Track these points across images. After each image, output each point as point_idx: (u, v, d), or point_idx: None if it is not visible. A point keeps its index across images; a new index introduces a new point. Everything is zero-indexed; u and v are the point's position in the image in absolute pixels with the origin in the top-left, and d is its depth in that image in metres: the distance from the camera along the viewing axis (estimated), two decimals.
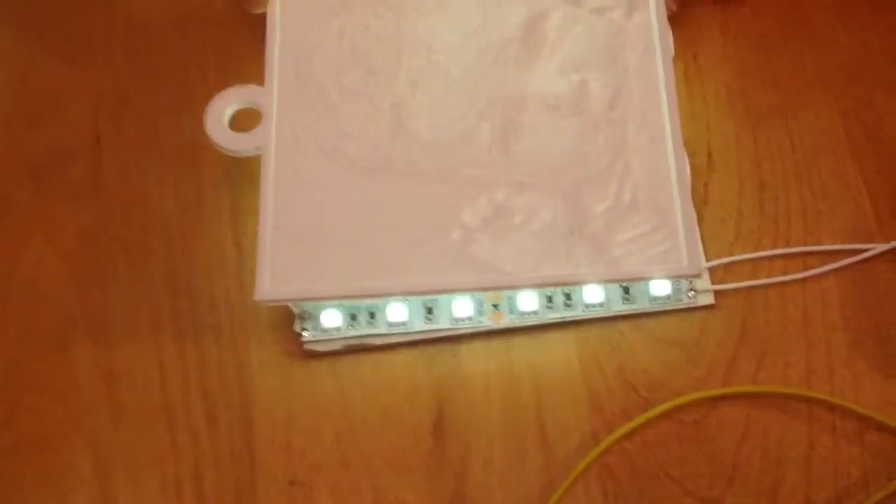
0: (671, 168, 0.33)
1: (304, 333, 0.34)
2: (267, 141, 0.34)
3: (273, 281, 0.32)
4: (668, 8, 0.35)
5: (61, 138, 0.39)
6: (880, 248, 0.34)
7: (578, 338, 0.35)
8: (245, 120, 0.35)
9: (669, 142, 0.33)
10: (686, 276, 0.32)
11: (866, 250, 0.34)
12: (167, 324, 0.36)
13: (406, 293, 0.32)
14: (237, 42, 0.40)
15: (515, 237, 0.32)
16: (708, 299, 0.34)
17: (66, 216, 0.38)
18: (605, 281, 0.32)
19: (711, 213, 0.36)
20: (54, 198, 0.38)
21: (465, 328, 0.34)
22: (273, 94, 0.35)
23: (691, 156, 0.36)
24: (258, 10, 0.37)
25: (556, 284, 0.32)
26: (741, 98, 0.38)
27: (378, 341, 0.35)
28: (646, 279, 0.32)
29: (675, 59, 0.36)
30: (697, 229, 0.34)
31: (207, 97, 0.38)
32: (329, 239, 0.33)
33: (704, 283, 0.34)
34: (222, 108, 0.35)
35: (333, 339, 0.34)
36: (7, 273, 0.37)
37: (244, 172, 0.37)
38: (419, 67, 0.35)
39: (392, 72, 0.35)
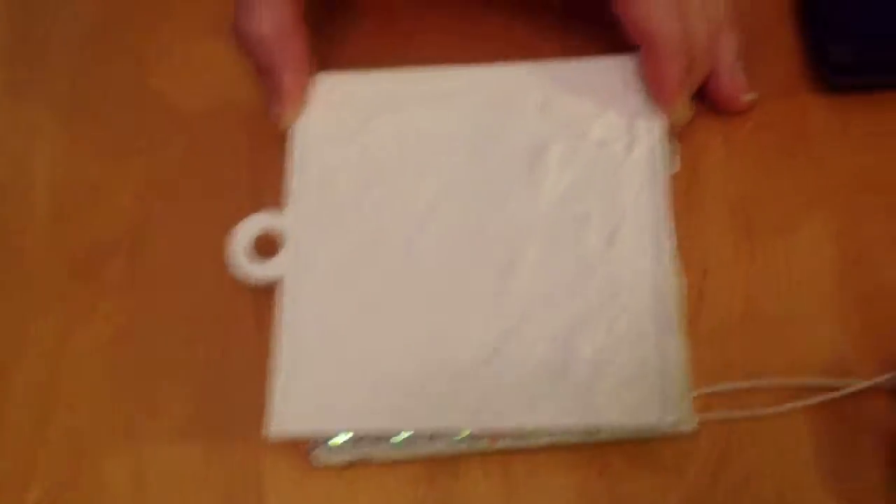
0: (658, 317, 0.34)
1: (313, 451, 0.37)
2: (285, 271, 0.36)
3: (285, 417, 0.35)
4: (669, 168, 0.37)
5: (103, 230, 0.42)
6: (858, 385, 0.36)
7: (568, 461, 0.37)
8: (269, 248, 0.38)
9: (660, 289, 0.35)
10: (666, 428, 0.34)
11: (844, 387, 0.36)
12: (197, 425, 0.39)
13: (407, 430, 0.35)
14: (267, 136, 0.42)
15: (510, 379, 0.34)
16: (692, 425, 0.36)
17: (105, 312, 0.41)
18: (590, 428, 0.34)
19: (702, 334, 0.37)
20: (96, 291, 0.41)
21: (464, 449, 0.37)
22: (291, 221, 0.37)
23: (687, 273, 0.37)
24: (284, 127, 0.39)
25: (546, 429, 0.34)
26: (740, 216, 0.39)
27: (382, 458, 0.37)
28: (627, 429, 0.34)
29: (678, 173, 0.38)
30: (683, 379, 0.35)
31: (237, 195, 0.40)
32: (341, 374, 0.35)
33: (687, 409, 0.36)
34: (242, 240, 0.37)
35: (340, 455, 0.37)
36: (55, 365, 0.40)
37: None
38: (433, 196, 0.37)
39: (407, 199, 0.37)
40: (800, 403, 0.36)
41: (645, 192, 0.36)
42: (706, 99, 0.40)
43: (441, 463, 0.37)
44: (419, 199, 0.37)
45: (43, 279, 0.42)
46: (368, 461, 0.37)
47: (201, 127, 0.44)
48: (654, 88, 0.37)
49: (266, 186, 0.41)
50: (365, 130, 0.38)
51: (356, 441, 0.37)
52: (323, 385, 0.35)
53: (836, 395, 0.36)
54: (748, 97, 0.39)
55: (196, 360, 0.40)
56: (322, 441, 0.36)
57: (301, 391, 0.35)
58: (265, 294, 0.38)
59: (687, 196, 0.39)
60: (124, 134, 0.44)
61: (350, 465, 0.37)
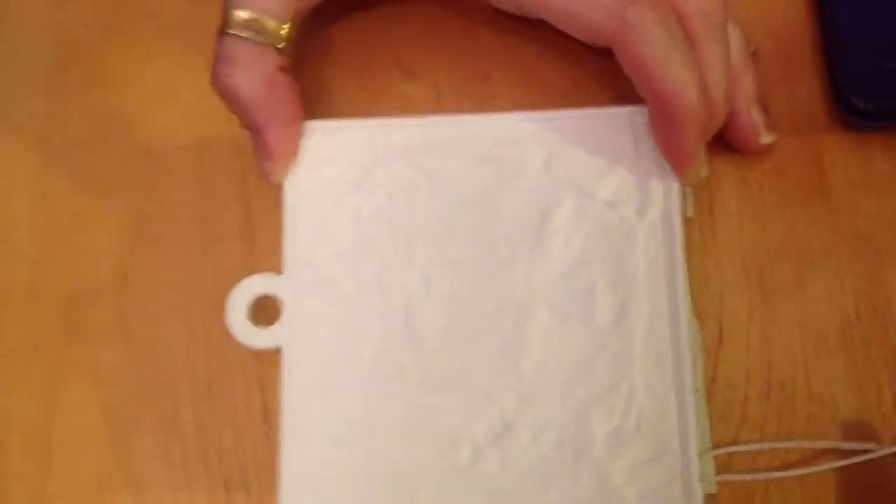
0: (679, 393, 0.33)
1: None
2: (285, 342, 0.35)
3: None
4: (683, 213, 0.35)
5: (88, 273, 0.41)
6: (882, 451, 0.35)
7: None
8: (268, 309, 0.36)
9: (680, 365, 0.34)
10: None
11: (869, 451, 0.35)
12: (200, 480, 0.38)
13: None
14: (254, 173, 0.40)
15: (524, 457, 0.34)
16: (710, 488, 0.36)
17: (97, 360, 0.39)
18: None
19: (719, 394, 0.37)
20: (85, 339, 0.40)
21: None
22: (289, 287, 0.36)
23: (702, 329, 0.37)
24: (275, 182, 0.37)
25: None
26: (754, 265, 0.38)
27: None
28: None
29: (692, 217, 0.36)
30: (706, 457, 0.34)
31: (226, 236, 0.39)
32: (345, 456, 0.34)
33: (708, 471, 0.36)
34: (241, 302, 0.36)
35: None
36: (48, 419, 0.39)
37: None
38: (433, 261, 0.35)
39: (406, 264, 0.35)
40: (821, 467, 0.35)
41: (660, 260, 0.34)
42: (721, 138, 0.38)
43: None
44: (418, 266, 0.35)
45: (29, 329, 0.40)
46: None
47: (184, 157, 0.42)
48: (667, 153, 0.35)
49: (259, 223, 0.40)
50: (358, 190, 0.36)
51: None
52: (331, 469, 0.34)
53: (858, 459, 0.35)
54: (767, 139, 0.37)
55: (197, 412, 0.39)
56: None
57: (308, 484, 0.34)
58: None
59: (699, 244, 0.38)
60: (103, 172, 0.42)
61: None
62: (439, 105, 0.40)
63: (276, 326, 0.36)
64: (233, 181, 0.41)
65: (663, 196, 0.35)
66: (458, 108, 0.40)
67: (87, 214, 0.41)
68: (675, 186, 0.35)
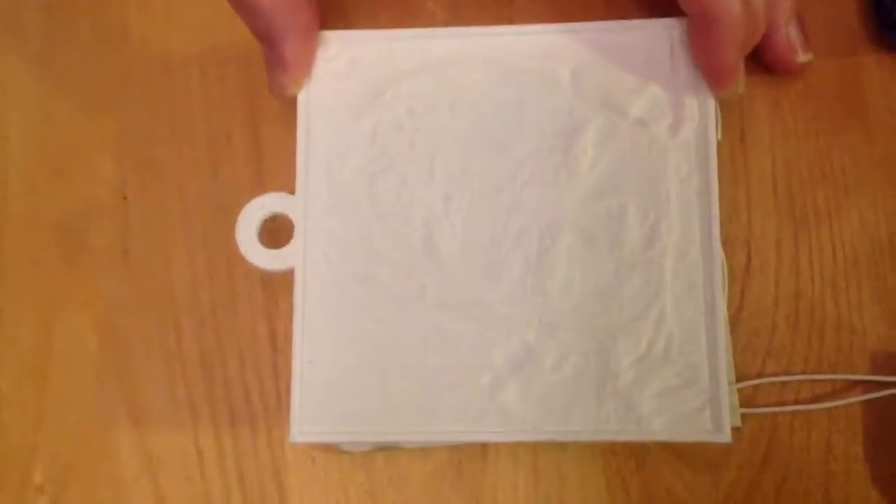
0: (708, 321, 0.32)
1: None
2: (298, 263, 0.34)
3: (306, 425, 0.33)
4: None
5: (86, 195, 0.39)
6: None
7: (605, 450, 0.35)
8: (278, 231, 0.35)
9: (711, 291, 0.32)
10: (712, 441, 0.32)
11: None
12: (204, 410, 0.37)
13: (437, 442, 0.33)
14: (263, 89, 0.38)
15: (545, 384, 0.32)
16: (735, 421, 0.35)
17: (96, 284, 0.38)
18: (631, 440, 0.33)
19: (745, 323, 0.36)
20: (84, 263, 0.38)
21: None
22: (303, 207, 0.34)
23: (729, 256, 0.35)
24: (287, 97, 0.36)
25: (584, 440, 0.33)
26: (785, 191, 0.37)
27: (409, 445, 0.35)
28: (672, 440, 0.33)
29: (721, 141, 0.35)
30: (730, 389, 0.33)
31: (233, 155, 0.38)
32: (362, 377, 0.33)
33: (733, 403, 0.35)
34: (252, 221, 0.34)
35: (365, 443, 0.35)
36: (44, 345, 0.38)
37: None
38: (454, 178, 0.34)
39: (426, 182, 0.34)
40: (849, 400, 0.35)
41: (693, 181, 0.33)
42: (755, 57, 0.36)
43: (468, 449, 0.36)
44: (438, 185, 0.33)
45: (25, 251, 0.39)
46: (396, 447, 0.36)
47: (189, 74, 0.40)
48: (707, 68, 0.33)
49: (268, 143, 0.38)
50: (375, 105, 0.34)
51: None
52: (346, 390, 0.33)
53: (887, 392, 0.34)
54: (804, 58, 0.36)
55: (201, 340, 0.37)
56: None
57: (322, 398, 0.33)
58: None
59: (730, 169, 0.37)
60: (103, 89, 0.40)
61: (376, 450, 0.36)
62: (458, 20, 0.38)
63: (289, 247, 0.34)
64: (240, 99, 0.39)
65: (699, 114, 0.33)
66: (479, 23, 0.38)
67: (86, 134, 0.39)
68: (712, 103, 0.33)
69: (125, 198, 0.39)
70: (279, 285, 0.37)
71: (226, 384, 0.37)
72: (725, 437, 0.31)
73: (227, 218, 0.36)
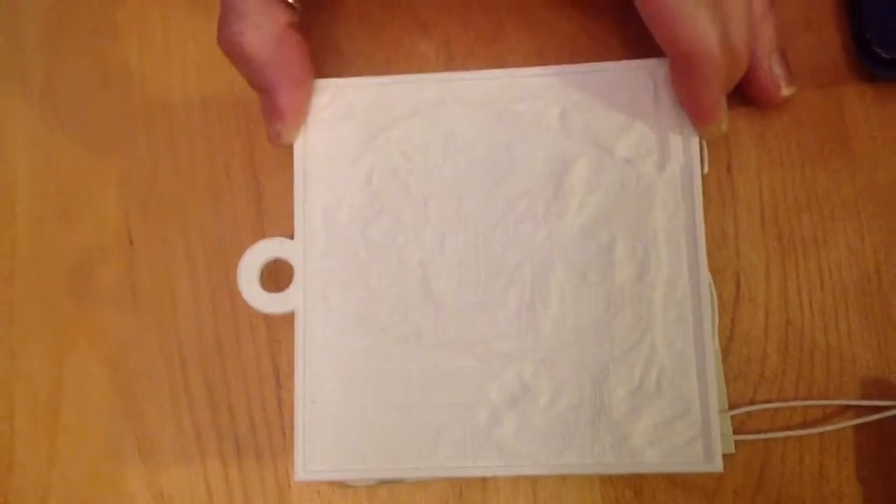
0: (698, 352, 0.33)
1: None
2: (298, 306, 0.35)
3: (310, 463, 0.34)
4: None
5: (93, 235, 0.40)
6: None
7: (603, 479, 0.36)
8: (279, 273, 0.36)
9: (700, 323, 0.33)
10: (705, 471, 0.33)
11: (888, 408, 0.35)
12: (211, 445, 0.38)
13: (438, 477, 0.34)
14: (260, 132, 0.40)
15: (541, 419, 0.33)
16: (729, 448, 0.36)
17: (105, 323, 0.39)
18: (626, 472, 0.33)
19: (737, 352, 0.37)
20: (92, 302, 0.40)
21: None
22: (301, 251, 0.35)
23: (719, 286, 0.36)
24: (284, 145, 0.37)
25: (580, 473, 0.33)
26: (773, 221, 0.37)
27: (411, 479, 0.36)
28: (665, 471, 0.33)
29: (708, 172, 0.36)
30: (723, 416, 0.34)
31: (233, 193, 0.39)
32: (364, 415, 0.34)
33: (726, 430, 0.36)
34: (252, 268, 0.35)
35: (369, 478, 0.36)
36: (55, 383, 0.39)
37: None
38: (448, 218, 0.35)
39: (420, 223, 0.35)
40: (840, 425, 0.35)
41: (680, 216, 0.34)
42: (739, 91, 0.37)
43: (469, 480, 0.37)
44: (433, 226, 0.34)
45: (36, 292, 0.40)
46: (399, 481, 0.36)
47: (190, 115, 0.41)
48: (689, 107, 0.34)
49: (268, 183, 0.39)
50: (370, 149, 0.35)
51: None
52: (348, 428, 0.34)
53: (877, 416, 0.35)
54: (787, 91, 0.37)
55: (207, 376, 0.39)
56: None
57: (325, 437, 0.34)
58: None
59: (717, 199, 0.37)
60: (107, 129, 0.41)
61: (380, 484, 0.37)
62: (451, 62, 0.39)
63: (289, 291, 0.35)
64: (241, 139, 0.40)
65: (683, 150, 0.34)
66: (470, 66, 0.39)
67: (91, 173, 0.41)
68: (695, 140, 0.34)
69: (131, 240, 0.40)
70: (281, 320, 0.38)
71: (232, 419, 0.38)
72: (717, 466, 0.32)
73: (230, 255, 0.38)
